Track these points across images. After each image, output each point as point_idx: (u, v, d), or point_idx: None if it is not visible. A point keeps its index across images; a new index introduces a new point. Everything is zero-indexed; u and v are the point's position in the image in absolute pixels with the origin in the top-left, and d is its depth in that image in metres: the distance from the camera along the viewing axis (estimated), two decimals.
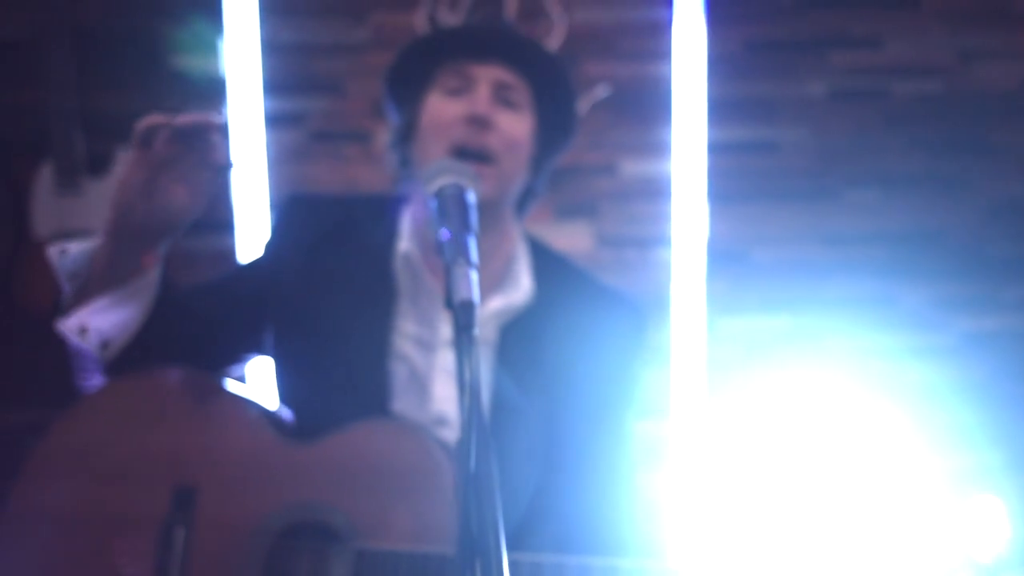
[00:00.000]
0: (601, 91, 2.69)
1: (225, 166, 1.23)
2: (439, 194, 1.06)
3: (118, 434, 1.28)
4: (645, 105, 2.77)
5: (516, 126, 1.33)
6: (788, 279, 2.85)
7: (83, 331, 1.25)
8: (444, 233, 1.06)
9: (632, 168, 2.81)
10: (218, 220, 2.61)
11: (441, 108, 1.33)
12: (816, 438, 2.78)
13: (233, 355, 1.43)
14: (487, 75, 1.33)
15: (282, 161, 2.67)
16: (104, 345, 1.26)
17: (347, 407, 1.29)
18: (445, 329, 1.34)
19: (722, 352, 2.85)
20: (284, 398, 1.39)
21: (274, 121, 2.65)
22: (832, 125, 2.83)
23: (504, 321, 1.37)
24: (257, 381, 1.43)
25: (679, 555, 2.80)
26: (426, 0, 2.60)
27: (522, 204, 1.43)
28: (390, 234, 1.38)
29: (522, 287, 1.37)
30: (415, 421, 1.32)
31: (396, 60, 1.41)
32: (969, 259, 2.87)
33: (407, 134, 1.38)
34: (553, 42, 2.66)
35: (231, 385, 1.34)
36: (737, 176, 2.82)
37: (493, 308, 1.35)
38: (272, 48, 2.61)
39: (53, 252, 1.28)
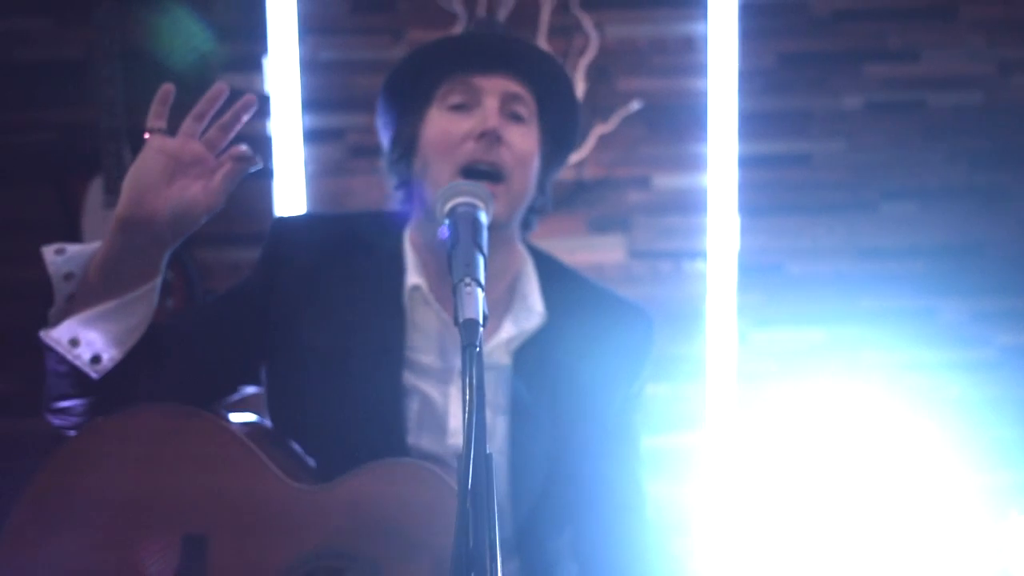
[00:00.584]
0: (633, 105, 2.71)
1: (248, 160, 1.15)
2: (451, 214, 1.07)
3: (115, 480, 1.17)
4: (678, 119, 2.79)
5: (525, 140, 1.27)
6: (822, 292, 2.84)
7: (74, 342, 1.13)
8: (443, 231, 1.07)
9: (665, 182, 2.83)
10: (258, 232, 2.68)
11: (447, 124, 1.26)
12: (850, 453, 2.76)
13: (228, 386, 1.33)
14: (494, 87, 1.26)
15: (321, 175, 2.74)
16: (95, 359, 1.14)
17: (361, 444, 1.24)
18: (459, 360, 1.23)
19: (755, 365, 2.84)
20: (287, 432, 1.31)
21: (313, 137, 2.72)
22: (868, 137, 2.82)
23: (517, 345, 1.32)
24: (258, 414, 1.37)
25: (709, 567, 2.80)
26: (462, 17, 2.66)
27: (526, 221, 1.38)
28: (394, 263, 1.31)
29: (534, 311, 1.32)
30: (433, 458, 1.27)
31: (394, 73, 1.32)
32: (1009, 272, 2.83)
33: (407, 151, 1.31)
34: (586, 58, 2.69)
35: (231, 422, 1.25)
36: (771, 189, 2.82)
37: (505, 336, 1.31)
38: (312, 66, 2.69)
39: (48, 251, 1.17)
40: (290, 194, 2.70)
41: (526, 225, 1.39)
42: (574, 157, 2.70)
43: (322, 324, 1.29)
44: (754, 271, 2.83)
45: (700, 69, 2.77)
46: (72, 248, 1.18)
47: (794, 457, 2.77)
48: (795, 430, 2.78)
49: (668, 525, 2.82)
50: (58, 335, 1.13)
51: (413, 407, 1.29)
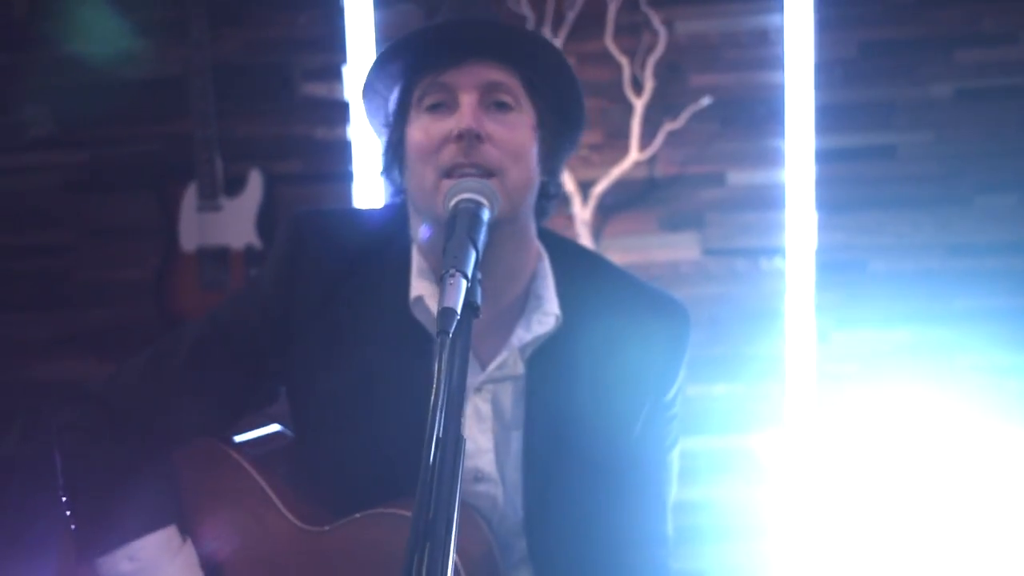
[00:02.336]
0: (703, 102, 2.67)
1: None
2: (454, 210, 1.06)
3: None
4: (752, 114, 2.73)
5: (514, 130, 1.15)
6: (909, 291, 2.71)
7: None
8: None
9: (740, 178, 2.77)
10: None
11: (425, 128, 1.15)
12: (937, 460, 2.63)
13: (249, 407, 1.33)
14: (469, 80, 1.14)
15: None
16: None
17: (384, 470, 1.20)
18: (474, 377, 1.23)
19: (836, 366, 2.75)
20: (313, 451, 1.29)
21: None
22: (959, 127, 2.67)
23: (530, 353, 1.24)
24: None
25: (786, 570, 2.73)
26: (531, 19, 2.70)
27: (540, 208, 1.27)
28: (401, 272, 1.23)
29: (548, 314, 1.23)
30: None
31: (365, 83, 1.21)
32: None
33: (395, 158, 1.22)
34: (654, 55, 2.68)
35: (250, 452, 1.28)
36: (852, 184, 2.72)
37: (516, 343, 1.23)
38: None
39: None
40: (368, 196, 2.82)
41: (541, 213, 1.28)
42: (643, 154, 2.70)
43: (344, 335, 1.23)
44: (834, 269, 2.74)
45: (775, 62, 2.70)
46: None
47: (875, 462, 2.66)
48: (877, 434, 2.67)
49: (745, 527, 2.77)
50: None
51: None
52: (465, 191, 1.08)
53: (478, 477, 1.26)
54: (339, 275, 1.24)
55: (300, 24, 2.83)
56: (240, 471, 1.25)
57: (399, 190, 1.25)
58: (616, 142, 2.73)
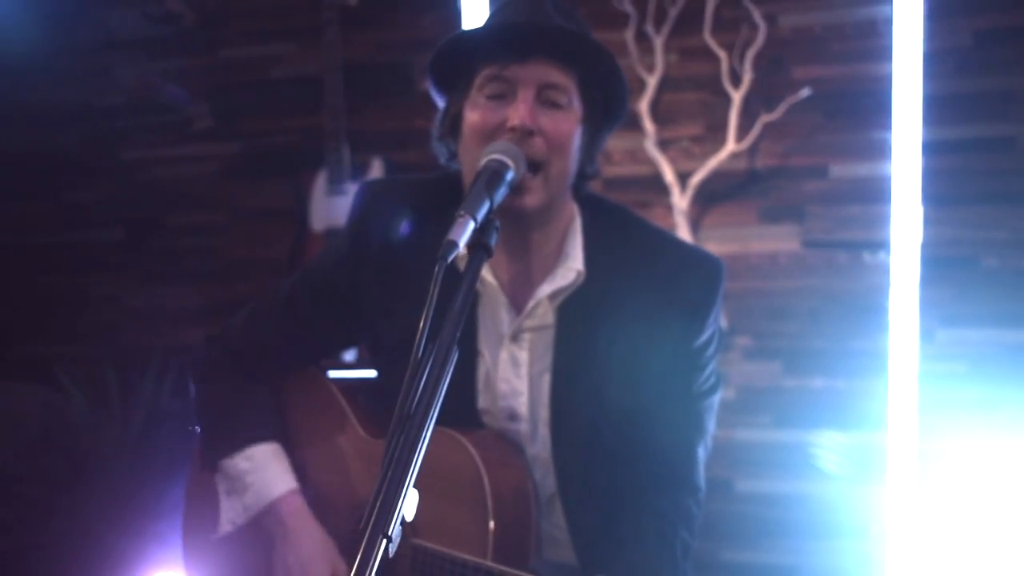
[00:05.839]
0: (802, 93, 2.68)
1: None
2: (482, 167, 1.15)
3: None
4: (857, 106, 2.70)
5: (562, 125, 1.26)
6: None
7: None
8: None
9: (843, 170, 2.75)
10: None
11: (483, 114, 1.26)
12: None
13: (337, 344, 1.59)
14: (530, 76, 1.25)
15: None
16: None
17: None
18: (505, 325, 1.38)
19: (942, 365, 2.66)
20: (380, 386, 1.48)
21: None
22: None
23: (559, 302, 1.36)
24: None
25: (889, 570, 2.66)
26: (633, 16, 2.81)
27: (577, 185, 1.37)
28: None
29: (571, 269, 1.34)
30: (491, 417, 1.40)
31: (436, 56, 1.31)
32: None
33: (451, 130, 1.34)
34: (753, 48, 2.71)
35: (338, 381, 1.56)
36: (964, 176, 2.63)
37: (542, 294, 1.35)
38: None
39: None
40: None
41: (579, 188, 1.39)
42: (740, 146, 2.73)
43: (398, 305, 1.37)
44: (942, 264, 2.65)
45: (883, 53, 2.66)
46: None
47: (978, 464, 2.55)
48: (982, 436, 2.55)
49: (840, 525, 2.72)
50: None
51: (481, 370, 1.39)
52: (494, 152, 1.19)
53: (512, 416, 1.39)
54: (399, 237, 1.39)
55: (422, 26, 3.07)
56: (331, 394, 1.53)
57: (451, 156, 1.36)
58: (717, 134, 2.78)
